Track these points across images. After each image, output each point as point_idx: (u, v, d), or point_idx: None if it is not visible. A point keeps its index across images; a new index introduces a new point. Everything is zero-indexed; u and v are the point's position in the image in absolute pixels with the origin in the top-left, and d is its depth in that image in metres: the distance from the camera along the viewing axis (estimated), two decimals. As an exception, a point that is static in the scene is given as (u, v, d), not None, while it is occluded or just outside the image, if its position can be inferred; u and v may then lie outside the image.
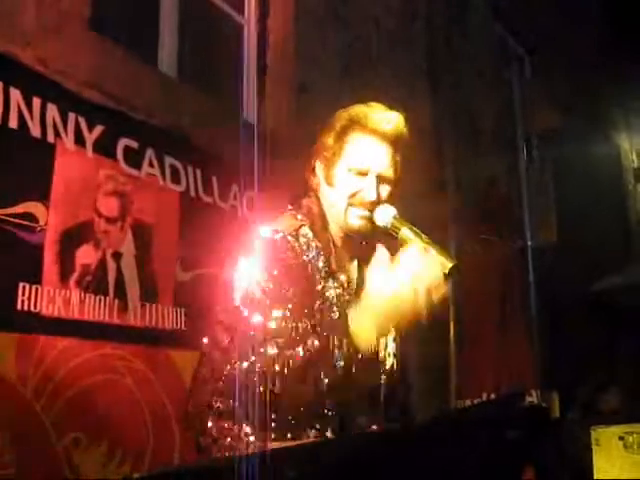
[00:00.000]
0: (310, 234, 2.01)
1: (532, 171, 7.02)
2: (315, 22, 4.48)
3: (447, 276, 1.85)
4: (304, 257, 1.95)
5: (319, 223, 2.04)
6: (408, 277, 1.81)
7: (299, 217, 2.05)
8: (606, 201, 8.21)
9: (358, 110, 2.04)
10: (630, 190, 9.46)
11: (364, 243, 2.11)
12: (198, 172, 3.56)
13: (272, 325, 1.82)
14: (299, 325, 1.83)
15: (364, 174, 2.01)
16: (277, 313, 1.83)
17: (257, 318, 1.84)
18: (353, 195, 2.01)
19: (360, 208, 2.01)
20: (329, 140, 2.04)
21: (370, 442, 1.55)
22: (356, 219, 2.02)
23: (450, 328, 5.02)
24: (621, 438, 3.93)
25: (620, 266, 7.37)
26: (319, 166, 2.07)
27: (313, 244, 1.99)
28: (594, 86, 7.75)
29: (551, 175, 7.07)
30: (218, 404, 1.89)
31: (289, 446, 1.74)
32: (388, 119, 2.03)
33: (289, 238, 1.95)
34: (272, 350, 1.80)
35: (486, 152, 6.23)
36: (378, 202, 2.01)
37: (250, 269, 1.90)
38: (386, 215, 1.99)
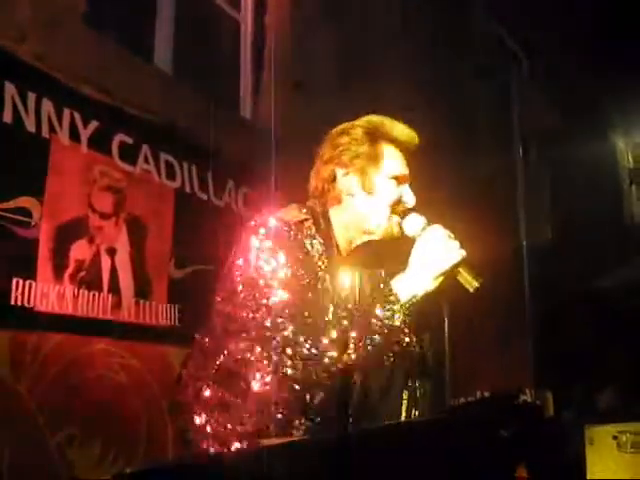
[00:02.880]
0: (313, 229, 2.00)
1: (529, 171, 7.02)
2: (312, 20, 4.48)
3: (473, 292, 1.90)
4: (307, 248, 1.94)
5: (322, 223, 2.03)
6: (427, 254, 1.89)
7: (304, 211, 2.04)
8: (602, 201, 8.21)
9: (377, 120, 2.08)
10: (625, 190, 9.47)
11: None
12: (193, 168, 3.55)
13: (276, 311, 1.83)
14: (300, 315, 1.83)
15: (403, 181, 2.07)
16: (280, 300, 1.84)
17: (260, 304, 1.85)
18: (396, 202, 2.05)
19: (397, 215, 2.05)
20: (361, 148, 2.04)
21: (363, 439, 1.55)
22: (397, 226, 2.05)
23: (445, 325, 5.02)
24: (615, 437, 3.93)
25: (615, 266, 7.38)
26: (347, 175, 2.05)
27: (315, 240, 1.98)
28: (591, 87, 7.75)
29: (547, 175, 7.07)
30: (207, 393, 1.88)
31: (281, 443, 1.74)
32: (410, 132, 2.09)
33: (294, 228, 1.94)
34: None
35: (483, 152, 6.23)
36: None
37: (253, 257, 1.89)
38: (417, 225, 2.00)
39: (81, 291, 2.93)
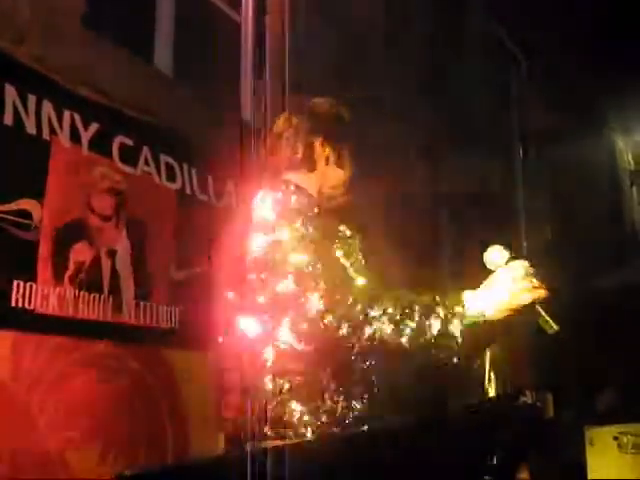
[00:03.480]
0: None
1: (528, 172, 7.03)
2: (311, 21, 4.48)
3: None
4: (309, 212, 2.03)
5: (306, 191, 2.13)
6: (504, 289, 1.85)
7: (292, 188, 2.11)
8: (601, 202, 8.21)
9: (335, 106, 2.26)
10: (625, 192, 9.47)
11: None
12: (194, 170, 3.56)
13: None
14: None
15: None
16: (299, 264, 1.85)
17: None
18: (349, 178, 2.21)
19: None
20: (334, 124, 2.21)
21: (363, 439, 1.55)
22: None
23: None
24: (615, 438, 3.93)
25: (615, 267, 7.38)
26: (325, 146, 2.18)
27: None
28: (591, 87, 7.75)
29: (547, 176, 7.08)
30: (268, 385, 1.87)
31: (278, 444, 1.74)
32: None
33: (309, 191, 2.08)
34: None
35: (482, 152, 6.23)
36: None
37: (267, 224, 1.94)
38: (500, 259, 1.94)
39: (81, 293, 2.93)
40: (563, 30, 7.15)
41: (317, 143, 2.18)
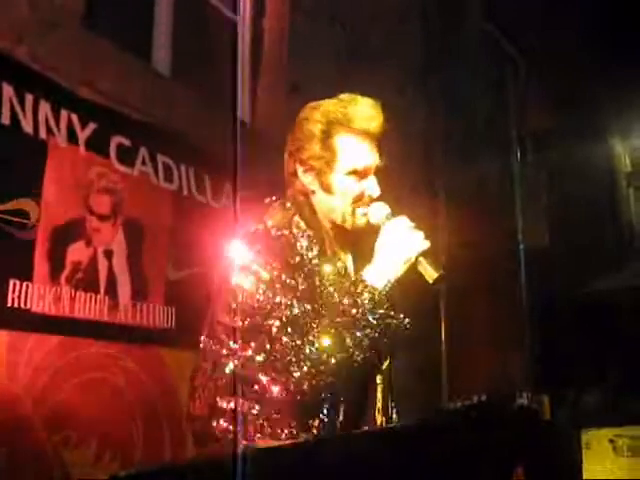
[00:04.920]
0: (302, 223, 1.99)
1: (525, 174, 7.03)
2: (309, 22, 4.48)
3: (433, 285, 1.93)
4: (299, 248, 1.92)
5: (307, 211, 2.03)
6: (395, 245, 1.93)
7: (288, 205, 2.03)
8: (599, 204, 8.22)
9: (336, 109, 2.01)
10: (623, 194, 9.47)
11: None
12: (191, 171, 3.55)
13: (275, 322, 1.82)
14: (300, 318, 1.83)
15: (365, 174, 2.02)
16: (277, 307, 1.83)
17: (256, 317, 1.84)
18: (359, 198, 2.02)
19: (363, 206, 2.03)
20: (315, 147, 2.00)
21: (360, 442, 1.55)
22: (362, 218, 2.03)
23: (441, 328, 5.03)
24: (611, 441, 3.94)
25: (611, 269, 7.39)
26: (305, 173, 2.03)
27: (306, 234, 1.96)
28: (588, 89, 7.76)
29: (544, 177, 7.08)
30: (222, 404, 1.86)
31: (273, 446, 1.73)
32: (372, 116, 2.00)
33: (285, 232, 1.93)
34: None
35: (479, 154, 6.23)
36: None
37: (247, 267, 1.88)
38: (380, 214, 2.01)
39: (78, 293, 2.93)
40: (562, 31, 7.16)
41: (300, 171, 2.03)
